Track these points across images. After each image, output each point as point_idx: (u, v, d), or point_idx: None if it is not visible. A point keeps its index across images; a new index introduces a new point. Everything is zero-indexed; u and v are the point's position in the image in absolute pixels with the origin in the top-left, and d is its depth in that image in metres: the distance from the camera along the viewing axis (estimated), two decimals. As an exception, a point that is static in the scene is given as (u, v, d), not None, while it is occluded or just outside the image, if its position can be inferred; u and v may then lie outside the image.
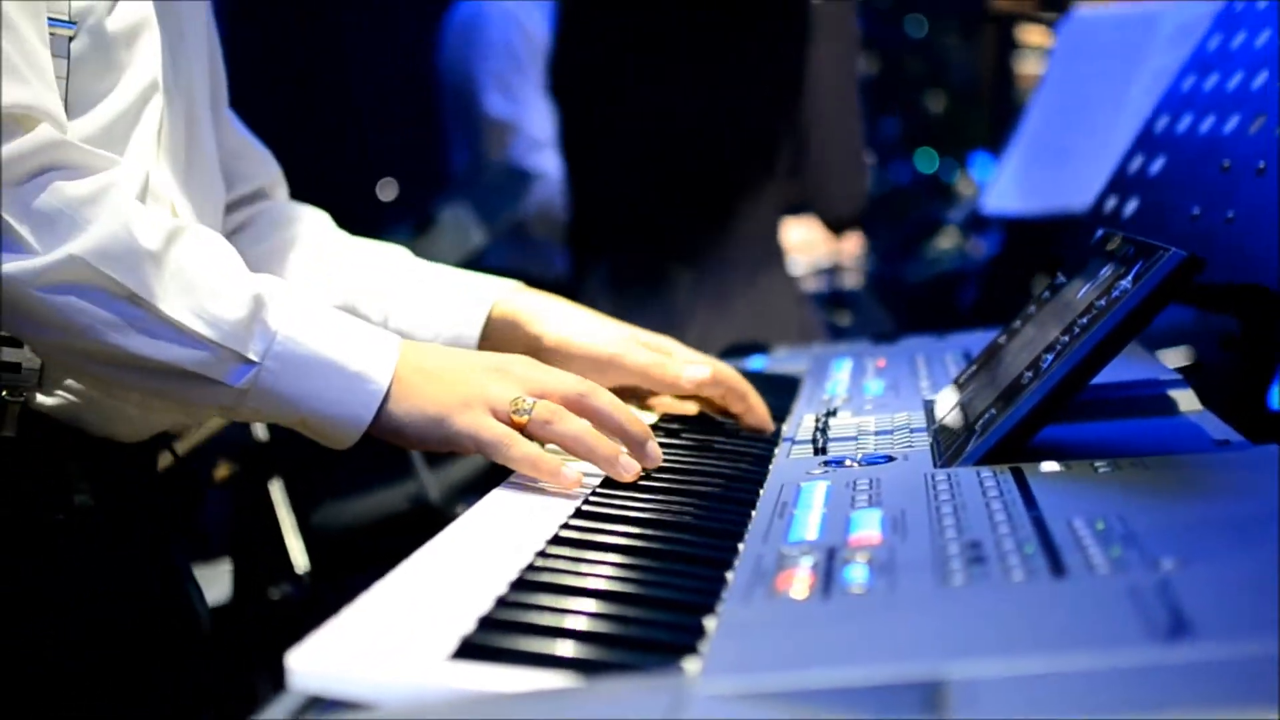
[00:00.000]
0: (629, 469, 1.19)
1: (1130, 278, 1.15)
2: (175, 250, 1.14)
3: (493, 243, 3.23)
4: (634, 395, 1.51)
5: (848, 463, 1.21)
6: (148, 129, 1.24)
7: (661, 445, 1.33)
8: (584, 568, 0.96)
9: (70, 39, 1.18)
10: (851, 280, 3.41)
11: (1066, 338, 1.18)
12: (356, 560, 2.45)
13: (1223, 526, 0.90)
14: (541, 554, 0.99)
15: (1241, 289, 1.34)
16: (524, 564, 0.96)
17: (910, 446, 1.25)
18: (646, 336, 1.51)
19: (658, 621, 0.86)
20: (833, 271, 3.33)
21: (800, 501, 1.08)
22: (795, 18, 2.51)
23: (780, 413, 1.52)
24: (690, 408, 1.51)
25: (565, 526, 1.06)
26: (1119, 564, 0.83)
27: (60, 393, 1.23)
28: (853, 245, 3.60)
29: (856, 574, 0.87)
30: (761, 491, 1.16)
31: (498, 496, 1.16)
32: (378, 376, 1.18)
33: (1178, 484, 1.03)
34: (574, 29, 2.66)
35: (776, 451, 1.32)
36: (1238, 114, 1.51)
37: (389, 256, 1.56)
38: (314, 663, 0.78)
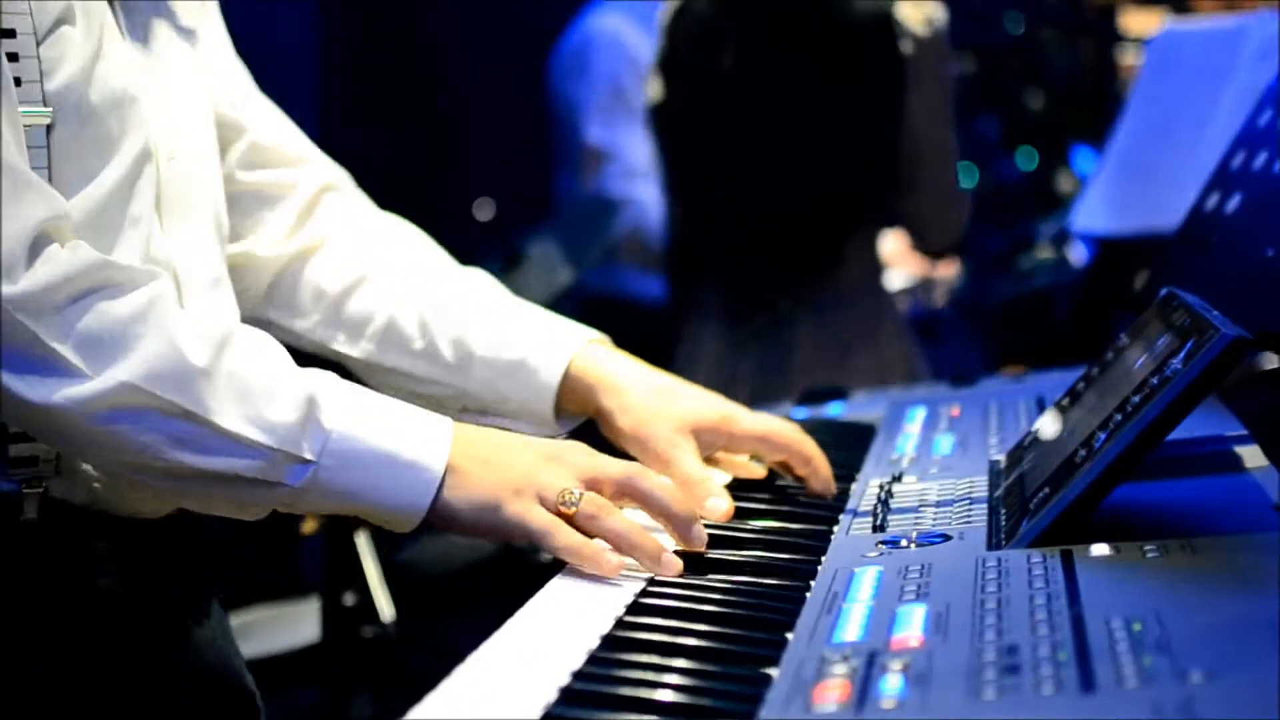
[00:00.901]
0: (670, 567, 1.21)
1: (1182, 357, 1.16)
2: (225, 360, 1.16)
3: (590, 269, 3.28)
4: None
5: (903, 543, 1.22)
6: (145, 200, 1.25)
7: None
8: (628, 672, 0.98)
9: (49, 126, 1.18)
10: (941, 299, 3.41)
11: (1120, 415, 1.18)
12: (443, 605, 2.50)
13: (1259, 626, 0.90)
14: (591, 659, 1.02)
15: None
16: (572, 669, 0.99)
17: (968, 523, 1.26)
18: (710, 412, 1.49)
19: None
20: (922, 289, 3.32)
21: (850, 593, 1.10)
22: (890, 66, 2.60)
23: (850, 470, 1.54)
24: (759, 470, 1.53)
25: (618, 625, 1.09)
26: (1147, 675, 0.84)
27: (80, 476, 1.24)
28: (947, 265, 3.59)
29: (891, 684, 0.89)
30: (815, 578, 1.18)
31: (558, 585, 1.19)
32: (432, 465, 1.20)
33: (1223, 572, 1.03)
34: (686, 71, 2.76)
35: (837, 528, 1.33)
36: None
37: (475, 279, 1.57)
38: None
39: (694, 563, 1.24)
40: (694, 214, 2.83)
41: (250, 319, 1.52)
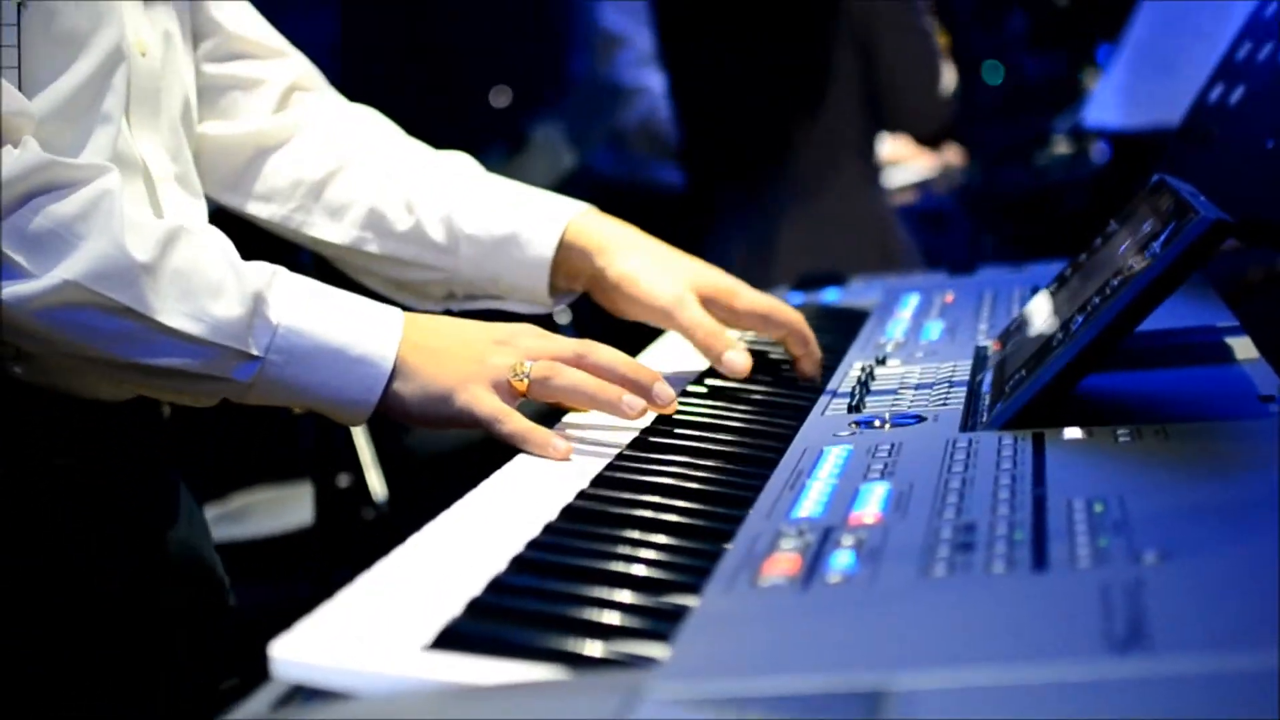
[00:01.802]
0: (633, 406, 1.21)
1: (1161, 241, 1.13)
2: (171, 257, 1.14)
3: (594, 153, 3.24)
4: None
5: (877, 423, 1.21)
6: (116, 96, 1.23)
7: (697, 398, 1.34)
8: (583, 543, 0.97)
9: (19, 4, 1.16)
10: (941, 188, 3.37)
11: (1098, 299, 1.16)
12: (436, 487, 2.49)
13: (1221, 511, 0.89)
14: (548, 528, 1.01)
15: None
16: (527, 539, 0.98)
17: (944, 404, 1.24)
18: (713, 280, 1.48)
19: (642, 608, 0.87)
20: (930, 184, 3.28)
21: (815, 470, 1.08)
22: None
23: (838, 354, 1.52)
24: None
25: (580, 496, 1.08)
26: (1101, 556, 0.82)
27: (38, 360, 1.22)
28: (954, 156, 3.54)
29: (841, 560, 0.88)
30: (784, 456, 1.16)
31: (522, 462, 1.18)
32: (381, 360, 1.19)
33: (1193, 457, 1.01)
34: None
35: (814, 409, 1.32)
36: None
37: (456, 161, 1.55)
38: (296, 652, 0.80)
39: (664, 443, 1.22)
40: (688, 100, 2.90)
41: (225, 206, 1.51)
